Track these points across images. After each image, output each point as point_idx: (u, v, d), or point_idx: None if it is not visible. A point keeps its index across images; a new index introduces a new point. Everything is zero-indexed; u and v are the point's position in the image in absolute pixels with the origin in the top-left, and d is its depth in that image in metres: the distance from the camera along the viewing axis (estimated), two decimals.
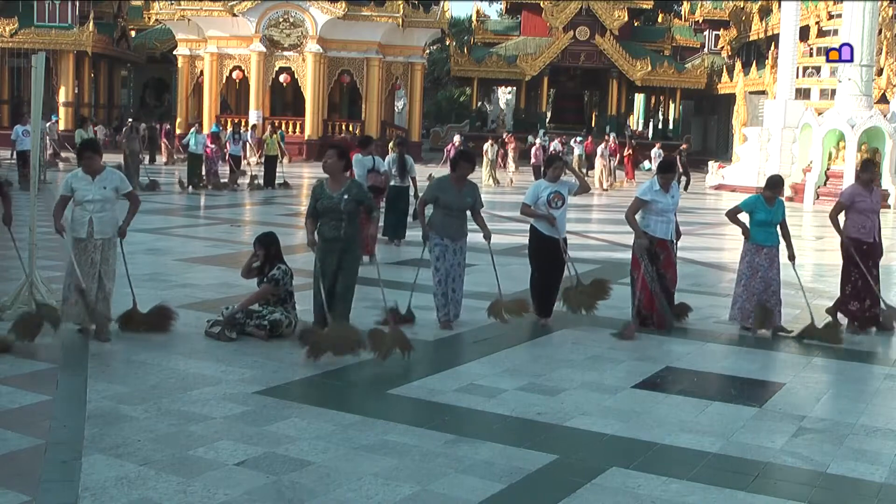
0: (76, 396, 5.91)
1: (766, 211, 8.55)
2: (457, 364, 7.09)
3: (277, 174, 24.20)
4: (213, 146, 23.42)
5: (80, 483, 4.50)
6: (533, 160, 31.04)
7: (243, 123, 35.01)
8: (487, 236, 8.40)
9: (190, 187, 22.43)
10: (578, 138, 33.17)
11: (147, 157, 30.36)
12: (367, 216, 7.68)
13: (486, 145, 29.54)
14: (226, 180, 23.60)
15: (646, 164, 36.92)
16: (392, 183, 13.32)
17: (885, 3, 34.61)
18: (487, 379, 6.69)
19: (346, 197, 7.26)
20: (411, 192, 13.59)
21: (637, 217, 8.55)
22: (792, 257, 8.63)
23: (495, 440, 5.37)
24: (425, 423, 5.65)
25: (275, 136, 25.34)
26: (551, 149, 31.14)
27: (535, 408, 6.03)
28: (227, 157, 24.13)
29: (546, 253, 8.45)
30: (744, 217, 8.72)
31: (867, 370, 7.42)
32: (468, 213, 8.33)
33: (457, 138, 30.34)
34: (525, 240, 8.90)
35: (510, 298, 8.58)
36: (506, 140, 34.08)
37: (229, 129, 27.82)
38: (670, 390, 6.64)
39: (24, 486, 4.47)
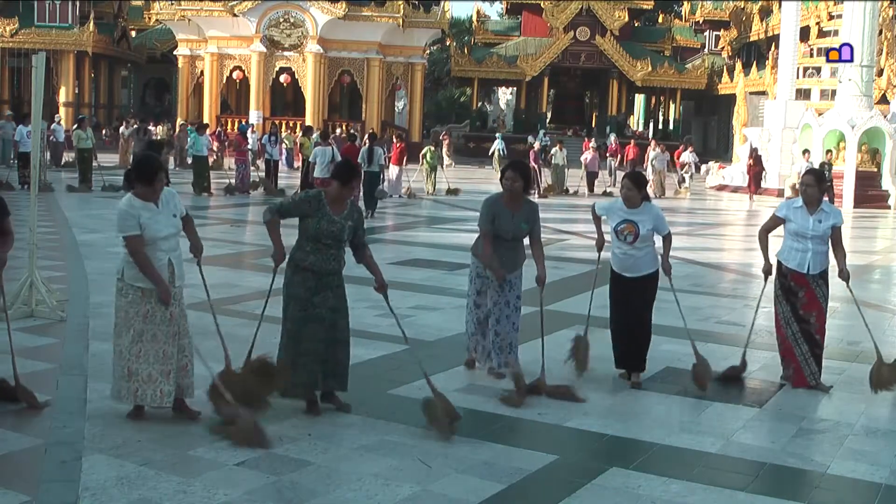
0: (76, 396, 5.91)
1: None
2: (457, 364, 7.08)
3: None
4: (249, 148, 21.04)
5: (80, 483, 4.50)
6: (585, 168, 26.84)
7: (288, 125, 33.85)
8: (540, 279, 6.56)
9: (201, 192, 21.14)
10: (529, 138, 29.16)
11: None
12: (360, 249, 6.08)
13: (555, 149, 25.84)
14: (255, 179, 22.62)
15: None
16: (365, 169, 17.27)
17: (885, 4, 34.63)
18: (487, 379, 6.69)
19: (349, 223, 5.98)
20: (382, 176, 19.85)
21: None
22: None
23: (495, 440, 5.38)
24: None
25: (312, 137, 23.53)
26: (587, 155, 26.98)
27: (535, 408, 6.03)
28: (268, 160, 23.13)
29: (619, 294, 6.90)
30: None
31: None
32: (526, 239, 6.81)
33: (537, 144, 26.77)
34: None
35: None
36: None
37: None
38: (670, 390, 6.64)
39: (24, 486, 4.47)
